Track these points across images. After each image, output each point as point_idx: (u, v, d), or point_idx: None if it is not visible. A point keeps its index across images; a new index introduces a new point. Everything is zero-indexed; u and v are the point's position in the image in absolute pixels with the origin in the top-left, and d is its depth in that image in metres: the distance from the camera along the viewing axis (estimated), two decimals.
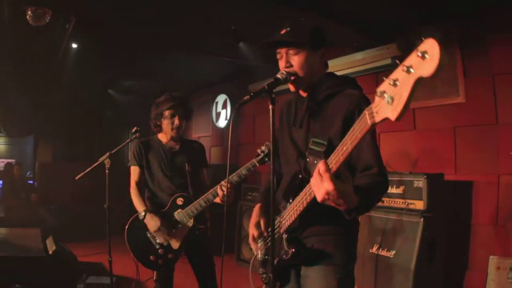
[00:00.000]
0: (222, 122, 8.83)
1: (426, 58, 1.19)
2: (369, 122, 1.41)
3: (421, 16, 4.68)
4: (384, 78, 1.35)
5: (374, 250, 4.24)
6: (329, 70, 2.21)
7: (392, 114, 1.30)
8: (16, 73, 7.39)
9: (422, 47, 1.21)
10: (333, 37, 5.16)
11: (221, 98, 8.87)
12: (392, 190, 4.35)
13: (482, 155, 4.45)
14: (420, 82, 1.24)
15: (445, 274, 4.24)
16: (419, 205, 4.08)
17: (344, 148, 1.55)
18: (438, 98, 4.76)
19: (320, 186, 1.59)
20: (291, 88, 2.10)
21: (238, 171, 3.31)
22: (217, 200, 3.35)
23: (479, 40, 4.47)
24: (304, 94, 2.13)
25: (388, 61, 5.09)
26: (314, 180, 1.63)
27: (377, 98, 1.37)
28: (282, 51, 2.04)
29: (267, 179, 2.56)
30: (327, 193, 1.57)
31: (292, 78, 2.01)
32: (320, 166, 1.59)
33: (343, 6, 4.54)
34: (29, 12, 4.65)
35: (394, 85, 1.30)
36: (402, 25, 4.84)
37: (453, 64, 4.61)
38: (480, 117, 4.47)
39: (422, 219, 3.93)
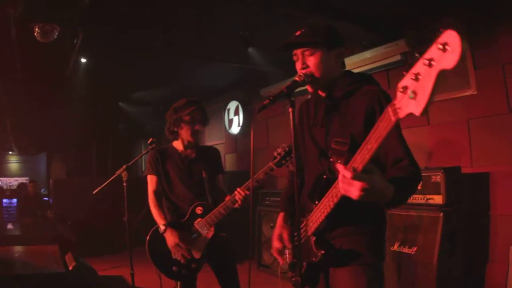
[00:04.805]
0: (235, 129, 8.81)
1: (448, 50, 1.18)
2: (393, 118, 1.39)
3: (428, 9, 4.66)
4: (404, 73, 1.33)
5: (395, 247, 4.21)
6: None
7: (417, 109, 1.28)
8: (26, 91, 7.44)
9: (442, 39, 1.19)
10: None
11: (232, 105, 8.86)
12: None
13: (497, 145, 4.42)
14: (442, 75, 1.23)
15: (467, 267, 4.21)
16: (438, 199, 4.06)
17: (369, 147, 1.52)
18: (449, 91, 4.73)
19: (351, 187, 1.57)
20: (309, 89, 2.10)
21: (256, 175, 3.25)
22: (236, 205, 3.32)
23: (488, 30, 4.44)
24: (322, 94, 2.12)
25: (398, 57, 5.09)
26: (342, 184, 1.61)
27: (399, 94, 1.35)
28: (298, 52, 2.05)
29: (287, 185, 2.55)
30: (362, 190, 1.55)
31: (309, 79, 2.01)
32: (344, 172, 1.57)
33: (350, 6, 4.57)
34: (37, 29, 4.65)
35: (416, 79, 1.28)
36: (410, 21, 4.82)
37: (463, 55, 4.57)
38: (492, 107, 4.45)
39: (441, 214, 3.91)
